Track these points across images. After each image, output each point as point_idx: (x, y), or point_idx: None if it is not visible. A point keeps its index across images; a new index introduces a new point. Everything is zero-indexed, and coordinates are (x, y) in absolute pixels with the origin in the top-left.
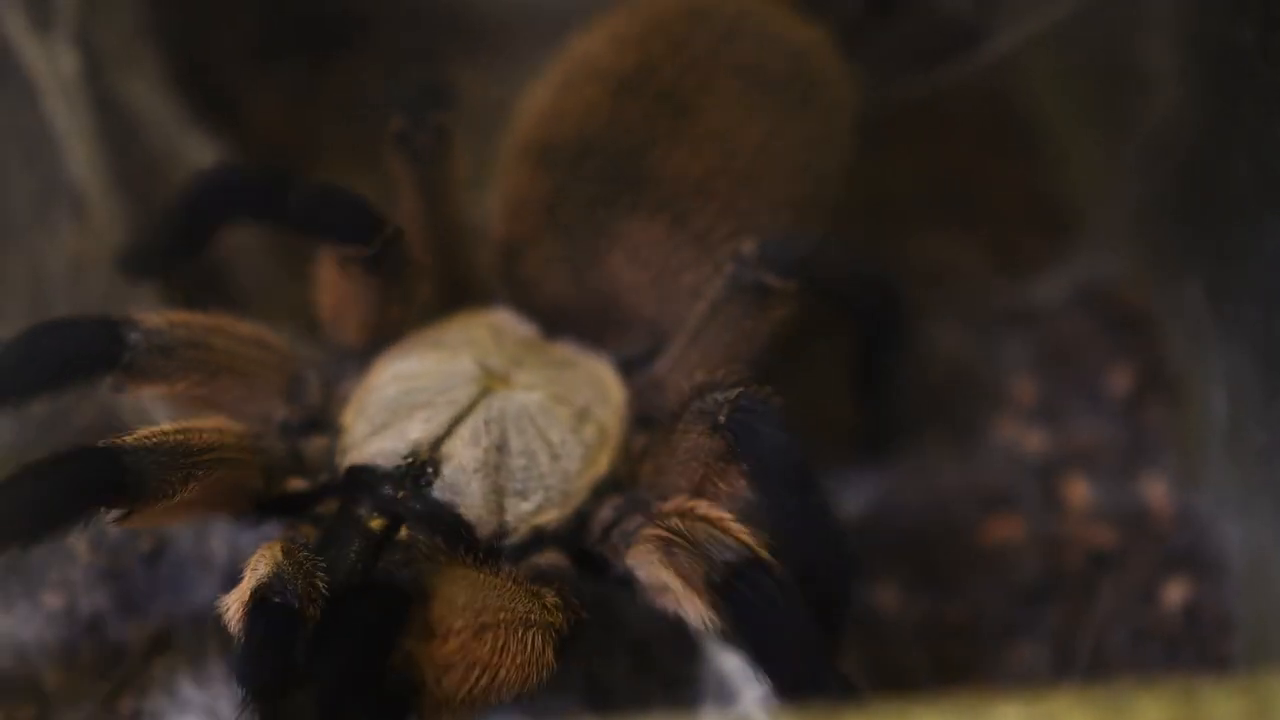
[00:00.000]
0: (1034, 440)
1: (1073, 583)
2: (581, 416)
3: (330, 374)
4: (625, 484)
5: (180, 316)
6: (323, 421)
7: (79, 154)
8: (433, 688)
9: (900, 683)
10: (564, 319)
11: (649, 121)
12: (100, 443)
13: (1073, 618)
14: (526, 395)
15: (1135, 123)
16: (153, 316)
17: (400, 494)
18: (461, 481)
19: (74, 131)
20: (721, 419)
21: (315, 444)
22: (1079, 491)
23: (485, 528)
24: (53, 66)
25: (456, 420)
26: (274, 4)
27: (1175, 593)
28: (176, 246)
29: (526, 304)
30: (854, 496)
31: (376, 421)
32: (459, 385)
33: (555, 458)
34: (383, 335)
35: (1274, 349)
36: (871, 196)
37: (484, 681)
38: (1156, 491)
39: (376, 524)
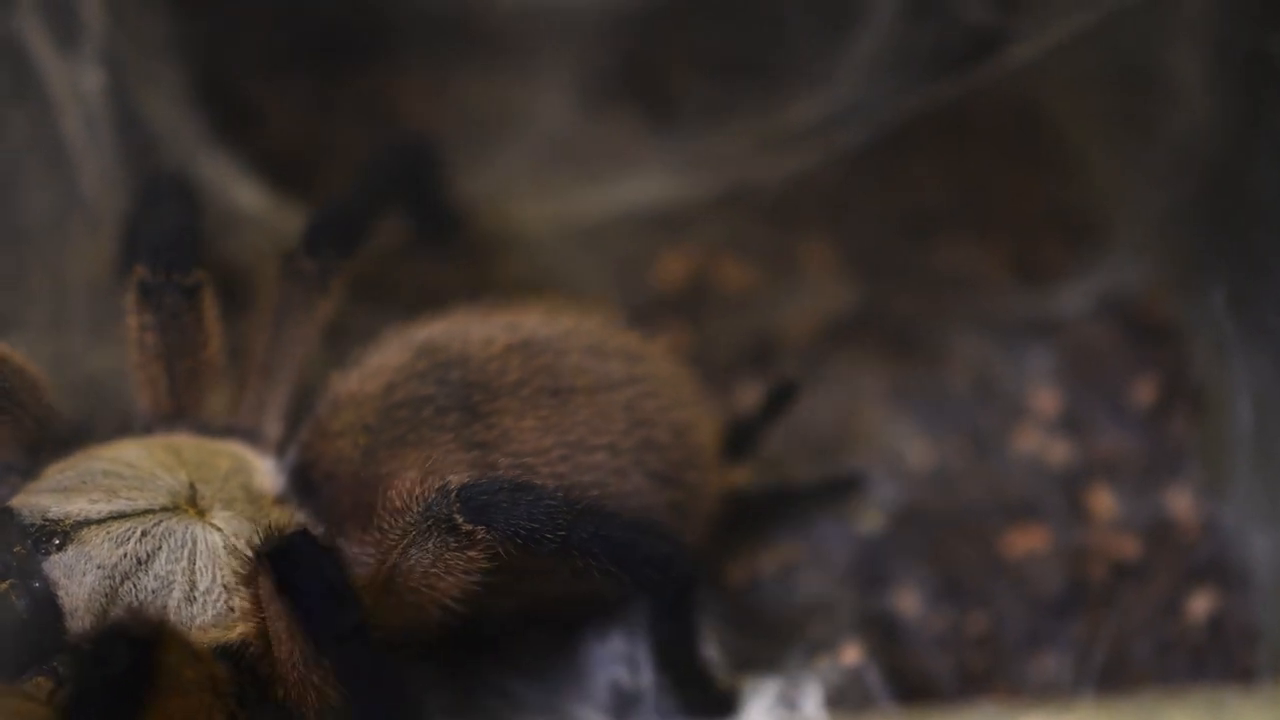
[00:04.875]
0: (1057, 450)
1: (1097, 593)
2: (246, 581)
3: (78, 436)
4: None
5: None
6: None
7: (95, 170)
8: None
9: (923, 693)
10: (321, 485)
11: (523, 380)
12: None
13: (1097, 629)
14: (205, 532)
15: (1161, 131)
16: None
17: (17, 549)
18: (78, 568)
19: (91, 148)
20: (265, 550)
21: (9, 484)
22: (1103, 502)
23: (75, 622)
24: (73, 83)
25: (119, 516)
26: (292, 16)
27: (1200, 604)
28: None
29: (308, 456)
30: (875, 507)
31: (63, 483)
32: (153, 491)
33: (190, 600)
34: (160, 412)
35: None
36: (891, 203)
37: None
38: (1181, 502)
39: None
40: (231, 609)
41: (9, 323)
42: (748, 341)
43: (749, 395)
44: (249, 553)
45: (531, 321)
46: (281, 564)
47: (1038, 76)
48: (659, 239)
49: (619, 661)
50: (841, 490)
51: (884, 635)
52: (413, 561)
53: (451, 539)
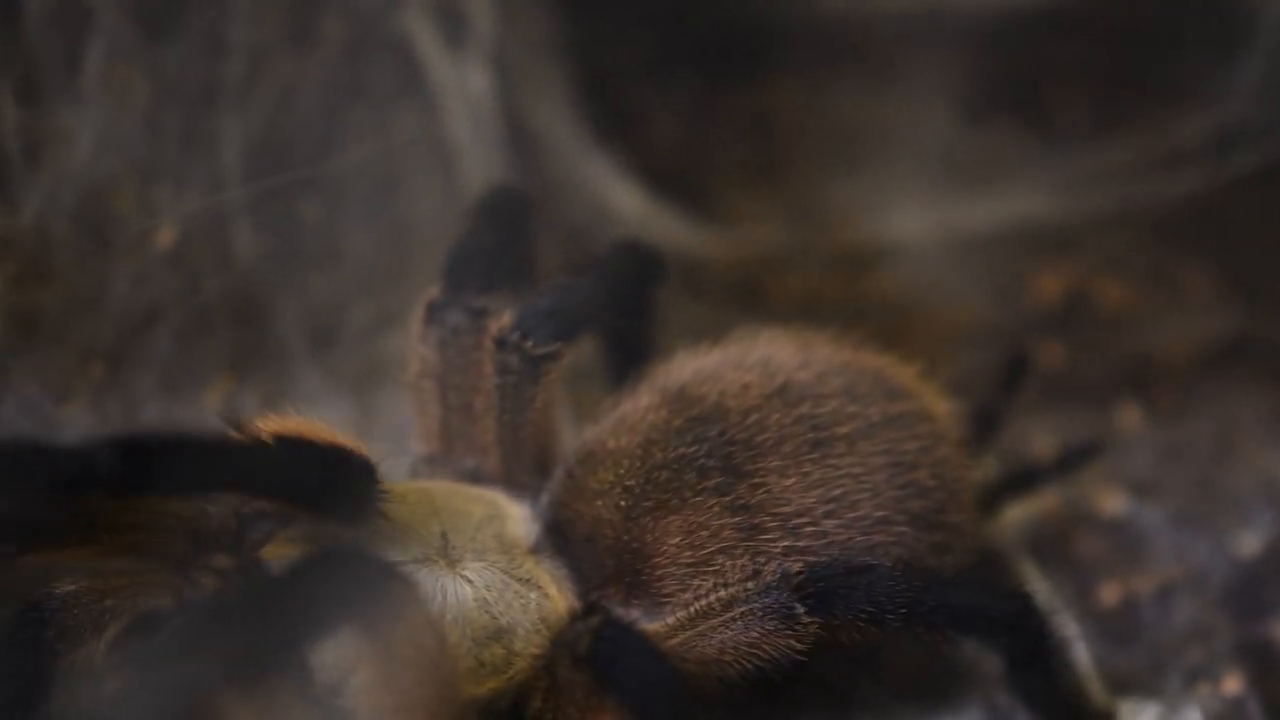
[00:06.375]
0: None
1: None
2: (496, 635)
3: None
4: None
5: None
6: None
7: (479, 169)
8: None
9: None
10: (580, 543)
11: (783, 432)
12: None
13: None
14: (454, 585)
15: None
16: None
17: None
18: None
19: (475, 149)
20: (581, 650)
21: (263, 531)
22: None
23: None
24: (460, 82)
25: None
26: (677, 21)
27: None
28: None
29: (565, 514)
30: (1253, 533)
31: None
32: (403, 541)
33: None
34: (428, 451)
35: None
36: (1276, 228)
37: None
38: None
39: None
40: (481, 664)
41: (391, 319)
42: (1124, 363)
43: (1126, 417)
44: (540, 640)
45: (787, 361)
46: (606, 665)
47: None
48: (1036, 255)
49: (993, 682)
50: (1080, 459)
51: (1262, 664)
52: (721, 639)
53: (785, 626)
